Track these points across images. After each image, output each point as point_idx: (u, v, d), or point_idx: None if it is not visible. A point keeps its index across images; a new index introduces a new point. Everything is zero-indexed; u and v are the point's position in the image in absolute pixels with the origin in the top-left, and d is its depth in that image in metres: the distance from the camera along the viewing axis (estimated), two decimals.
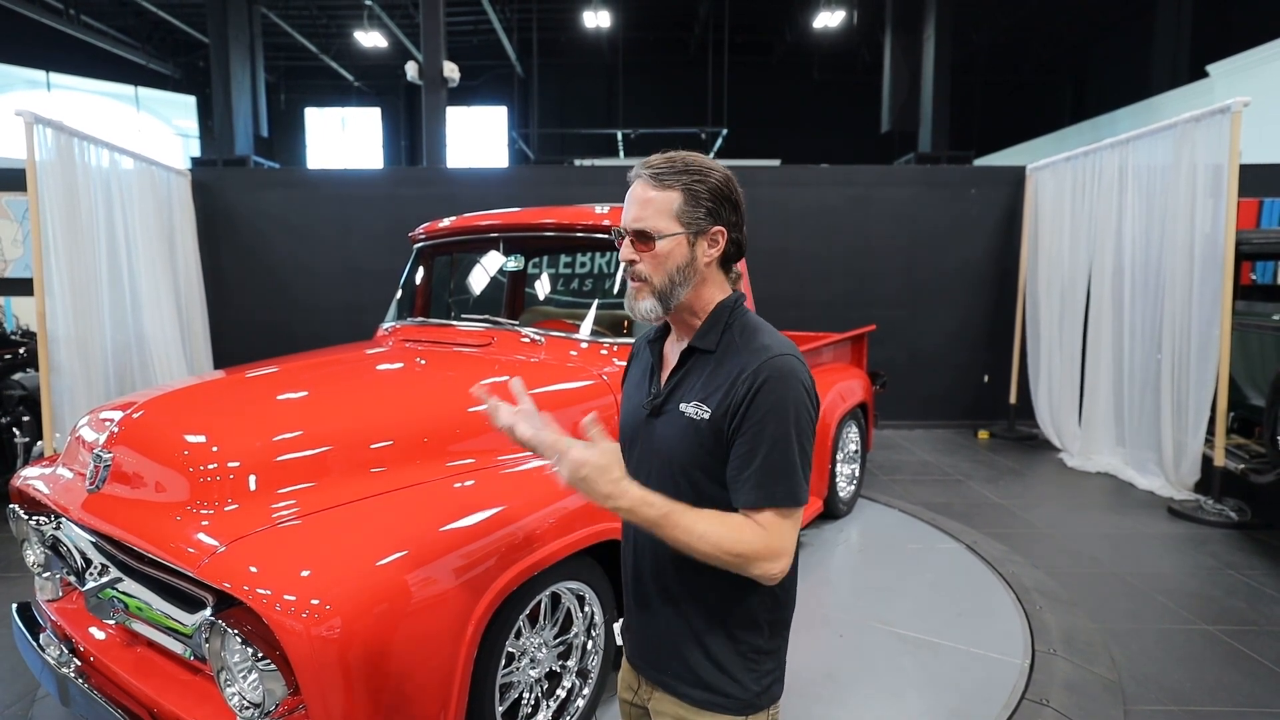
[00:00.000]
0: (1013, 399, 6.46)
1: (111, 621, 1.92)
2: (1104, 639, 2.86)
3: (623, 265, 1.17)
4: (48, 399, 4.19)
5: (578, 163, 12.97)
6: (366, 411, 2.07)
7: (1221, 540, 3.93)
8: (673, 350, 1.24)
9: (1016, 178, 6.52)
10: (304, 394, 2.22)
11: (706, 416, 1.10)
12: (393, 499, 1.80)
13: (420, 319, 3.17)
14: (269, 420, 1.96)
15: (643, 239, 1.13)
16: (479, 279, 3.31)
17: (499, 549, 1.74)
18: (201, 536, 1.59)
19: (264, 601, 1.41)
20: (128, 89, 16.26)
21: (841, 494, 4.18)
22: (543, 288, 3.52)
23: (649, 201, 1.13)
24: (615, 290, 2.88)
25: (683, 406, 1.14)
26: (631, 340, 2.60)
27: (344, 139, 19.91)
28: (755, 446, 1.06)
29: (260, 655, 1.43)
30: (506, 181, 7.21)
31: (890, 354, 6.43)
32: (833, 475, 3.98)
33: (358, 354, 2.81)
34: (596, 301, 2.86)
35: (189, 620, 1.62)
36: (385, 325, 3.23)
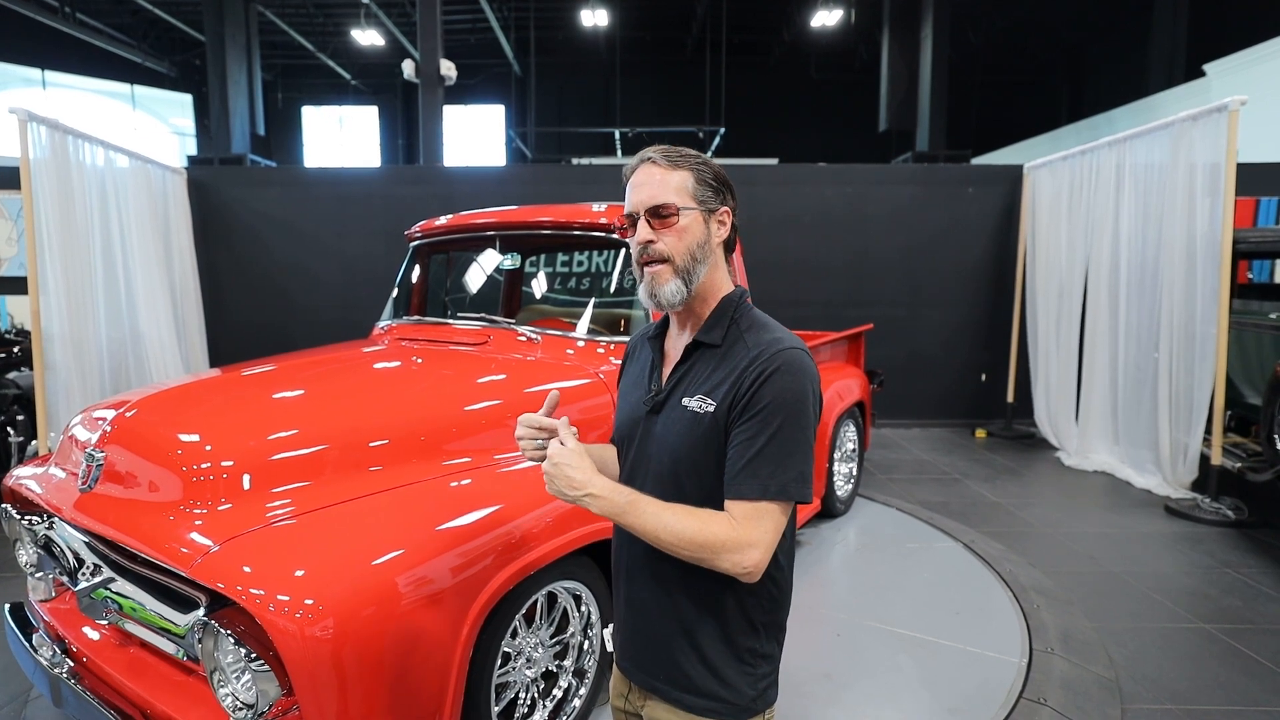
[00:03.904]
0: (1010, 398, 6.47)
1: (104, 622, 1.90)
2: (1101, 638, 2.86)
3: (636, 252, 1.15)
4: (42, 398, 4.17)
5: (575, 161, 12.96)
6: (362, 410, 2.06)
7: (1218, 539, 3.94)
8: (674, 346, 1.23)
9: (1014, 176, 6.52)
10: (299, 393, 2.21)
11: (711, 409, 1.09)
12: (388, 498, 1.79)
13: (417, 318, 3.16)
14: (264, 419, 1.95)
15: (661, 215, 1.12)
16: (475, 277, 3.31)
17: (495, 548, 1.73)
18: (195, 536, 1.58)
19: (257, 602, 1.40)
20: (124, 87, 16.23)
21: (839, 493, 4.17)
22: (539, 286, 3.51)
23: (663, 181, 1.13)
24: (612, 289, 2.87)
25: (685, 401, 1.13)
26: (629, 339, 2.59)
27: (341, 137, 19.89)
28: (755, 436, 1.05)
29: (254, 656, 1.42)
30: (503, 180, 7.20)
31: (888, 353, 6.43)
32: (830, 474, 3.97)
33: (354, 353, 2.80)
34: (593, 300, 2.85)
35: (182, 621, 1.61)
36: (381, 324, 3.22)
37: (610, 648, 1.31)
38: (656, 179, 1.13)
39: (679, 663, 1.15)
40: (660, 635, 1.17)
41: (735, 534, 1.02)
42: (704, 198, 1.14)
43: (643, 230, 1.14)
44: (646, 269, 1.14)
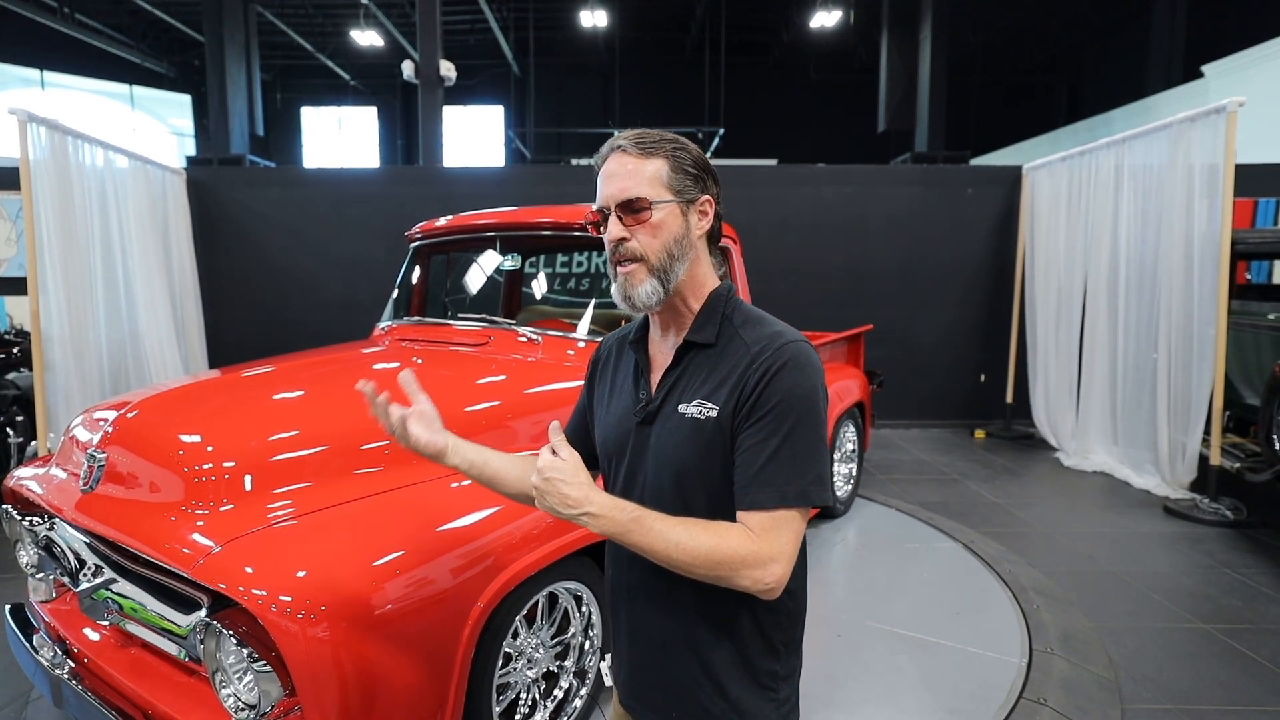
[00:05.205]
0: (1009, 398, 6.48)
1: (105, 623, 1.90)
2: (1101, 638, 2.86)
3: (608, 249, 1.06)
4: (42, 399, 4.17)
5: (574, 162, 12.96)
6: (363, 411, 2.04)
7: (1217, 539, 3.94)
8: (660, 349, 1.13)
9: (1013, 177, 6.53)
10: (300, 393, 2.21)
11: (714, 414, 1.00)
12: (389, 499, 1.79)
13: (417, 318, 3.16)
14: (264, 420, 1.95)
15: (633, 211, 1.02)
16: (475, 278, 3.30)
17: (495, 549, 1.73)
18: (196, 537, 1.58)
19: (259, 602, 1.40)
20: (122, 87, 16.21)
21: (839, 493, 4.18)
22: (539, 287, 3.51)
23: (635, 171, 1.03)
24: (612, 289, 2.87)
25: (683, 408, 1.03)
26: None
27: (340, 138, 19.88)
28: (766, 439, 0.96)
29: (256, 656, 1.42)
30: (503, 181, 7.20)
31: (887, 353, 6.44)
32: (830, 474, 3.97)
33: (354, 353, 2.80)
34: (594, 300, 2.85)
35: (184, 621, 1.61)
36: (382, 324, 3.22)
37: (609, 681, 1.20)
38: (629, 169, 1.03)
39: (697, 698, 1.05)
40: (672, 668, 1.06)
41: (755, 548, 0.93)
42: (682, 187, 1.04)
43: (614, 227, 1.03)
44: (619, 268, 1.05)
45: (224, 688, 1.49)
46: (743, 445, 0.98)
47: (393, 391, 1.22)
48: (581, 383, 2.42)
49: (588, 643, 2.14)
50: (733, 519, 0.99)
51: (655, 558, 0.95)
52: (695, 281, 1.09)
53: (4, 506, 2.14)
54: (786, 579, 0.96)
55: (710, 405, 1.01)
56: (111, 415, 1.94)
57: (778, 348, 1.00)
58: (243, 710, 1.46)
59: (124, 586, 1.78)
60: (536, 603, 1.94)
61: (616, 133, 1.08)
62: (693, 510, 1.01)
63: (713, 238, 1.12)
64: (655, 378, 1.11)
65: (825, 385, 1.03)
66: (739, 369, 1.01)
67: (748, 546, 0.93)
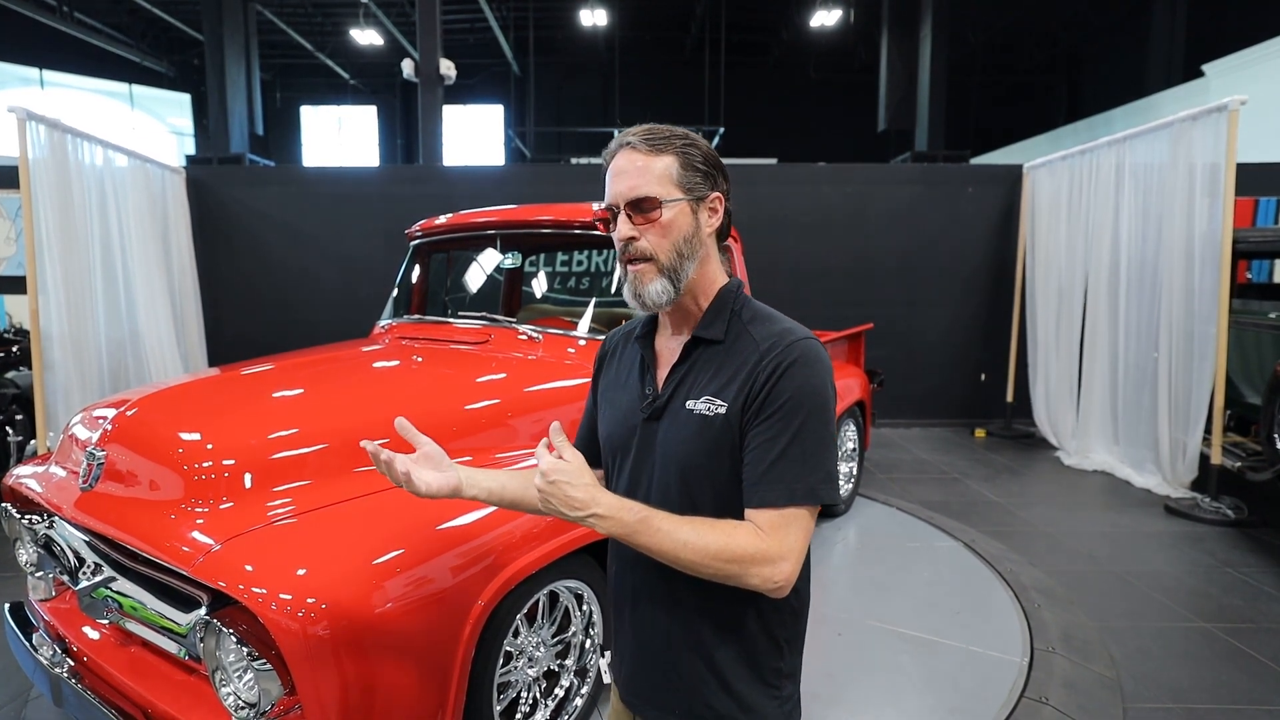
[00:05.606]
0: (1010, 397, 6.47)
1: (105, 621, 1.90)
2: (1102, 637, 2.86)
3: (619, 248, 1.05)
4: (41, 397, 4.17)
5: (574, 161, 12.95)
6: (363, 409, 2.05)
7: (1218, 538, 3.94)
8: (668, 346, 1.13)
9: (1013, 176, 6.53)
10: (300, 391, 2.20)
11: (723, 411, 0.99)
12: (389, 497, 1.78)
13: (417, 317, 3.16)
14: (264, 418, 1.94)
15: (643, 209, 1.01)
16: (476, 276, 3.30)
17: (496, 547, 1.72)
18: (196, 535, 1.58)
19: (259, 600, 1.39)
20: (122, 86, 16.21)
21: (839, 492, 4.17)
22: (540, 285, 3.50)
23: (645, 168, 1.01)
24: (613, 289, 2.87)
25: (690, 404, 1.03)
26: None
27: (340, 137, 19.87)
28: (776, 436, 0.96)
29: (256, 655, 1.41)
30: (503, 179, 7.20)
31: (887, 352, 6.43)
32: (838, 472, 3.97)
33: (354, 352, 2.79)
34: (594, 299, 2.85)
35: (184, 620, 1.61)
36: (382, 323, 3.22)
37: (607, 678, 1.19)
38: (638, 166, 1.01)
39: (702, 695, 1.05)
40: (677, 666, 1.06)
41: (764, 546, 0.93)
42: (692, 185, 1.03)
43: (623, 226, 1.02)
44: (629, 267, 1.04)
45: (224, 686, 1.48)
46: (752, 442, 0.98)
47: (396, 442, 1.17)
48: (582, 381, 2.43)
49: (589, 641, 2.14)
50: (739, 517, 0.98)
51: (663, 558, 0.94)
52: (705, 279, 1.08)
53: (3, 505, 2.13)
54: (796, 577, 0.95)
55: (719, 402, 1.01)
56: (111, 413, 1.93)
57: (787, 345, 0.99)
58: (243, 709, 1.46)
59: (123, 585, 1.77)
60: (537, 601, 1.94)
61: (617, 131, 1.07)
62: (699, 508, 1.00)
63: (722, 234, 1.11)
64: (662, 374, 1.11)
65: (834, 383, 1.03)
66: (748, 365, 1.00)
67: (757, 545, 0.93)
